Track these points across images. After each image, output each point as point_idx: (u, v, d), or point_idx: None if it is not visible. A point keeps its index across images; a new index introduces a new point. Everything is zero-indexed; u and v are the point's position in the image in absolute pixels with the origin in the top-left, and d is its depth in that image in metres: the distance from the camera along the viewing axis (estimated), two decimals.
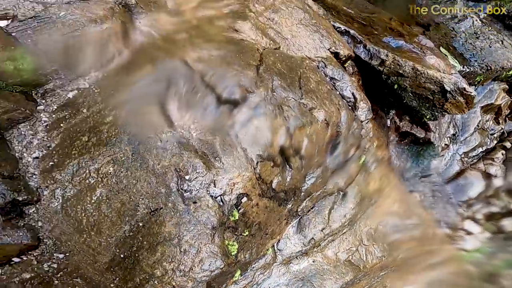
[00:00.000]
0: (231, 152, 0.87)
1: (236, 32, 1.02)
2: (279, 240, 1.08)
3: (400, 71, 1.64)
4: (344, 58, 1.36)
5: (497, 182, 2.34)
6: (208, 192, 0.84)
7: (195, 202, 0.83)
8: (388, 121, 1.95)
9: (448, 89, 1.64)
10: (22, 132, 0.75)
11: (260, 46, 1.06)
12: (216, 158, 0.85)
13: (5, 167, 0.72)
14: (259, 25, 1.11)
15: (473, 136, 2.37)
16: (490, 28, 2.14)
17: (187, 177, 0.81)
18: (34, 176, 0.73)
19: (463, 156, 2.32)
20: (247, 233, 0.94)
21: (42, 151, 0.75)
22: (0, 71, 0.71)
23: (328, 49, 1.29)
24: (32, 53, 0.76)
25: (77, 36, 0.80)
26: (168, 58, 0.87)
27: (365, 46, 1.64)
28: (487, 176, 2.36)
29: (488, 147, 2.42)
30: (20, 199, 0.71)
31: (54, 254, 0.67)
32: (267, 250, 1.04)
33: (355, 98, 1.26)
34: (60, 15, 0.80)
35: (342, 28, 1.62)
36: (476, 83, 2.16)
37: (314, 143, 1.07)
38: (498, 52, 2.07)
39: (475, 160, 2.40)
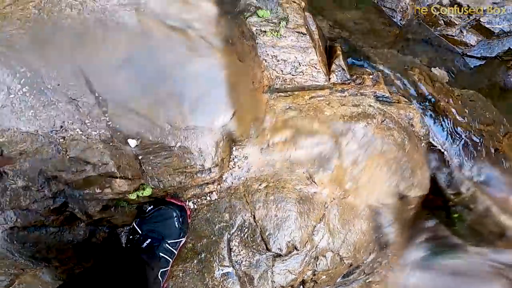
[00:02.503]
0: (264, 285, 1.15)
1: (312, 185, 1.09)
2: None
3: (471, 206, 1.60)
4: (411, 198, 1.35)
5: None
6: None
7: None
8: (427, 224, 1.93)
9: (508, 234, 1.62)
10: None
11: (330, 198, 1.14)
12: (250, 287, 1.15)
13: None
14: (339, 174, 1.13)
15: None
16: None
17: None
18: None
19: (493, 262, 2.28)
20: None
21: None
22: (127, 198, 0.96)
23: (399, 193, 1.28)
24: (150, 181, 0.98)
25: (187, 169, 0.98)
26: (243, 209, 1.05)
27: (451, 173, 1.53)
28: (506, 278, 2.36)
29: None
30: None
31: None
32: None
33: (390, 242, 1.34)
34: (175, 145, 0.95)
35: (437, 147, 1.48)
36: None
37: (332, 277, 1.29)
38: None
39: (505, 268, 2.35)
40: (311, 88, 1.25)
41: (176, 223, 0.97)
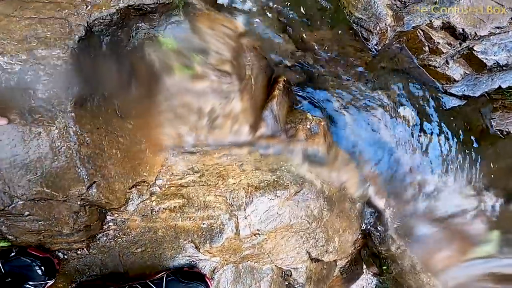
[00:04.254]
0: None
1: (198, 254, 0.98)
2: None
3: (398, 261, 1.52)
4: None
5: None
6: None
7: None
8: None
9: None
10: None
11: (222, 264, 1.04)
12: None
13: None
14: (234, 244, 1.01)
15: None
16: None
17: None
18: None
19: None
20: None
21: None
22: None
23: (312, 258, 1.18)
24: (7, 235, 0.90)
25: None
26: (117, 267, 0.99)
27: (384, 231, 1.40)
28: None
29: None
30: None
31: None
32: None
33: None
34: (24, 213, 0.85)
35: (380, 207, 1.33)
36: None
37: None
38: None
39: None
40: (228, 146, 1.04)
41: (39, 270, 0.96)
